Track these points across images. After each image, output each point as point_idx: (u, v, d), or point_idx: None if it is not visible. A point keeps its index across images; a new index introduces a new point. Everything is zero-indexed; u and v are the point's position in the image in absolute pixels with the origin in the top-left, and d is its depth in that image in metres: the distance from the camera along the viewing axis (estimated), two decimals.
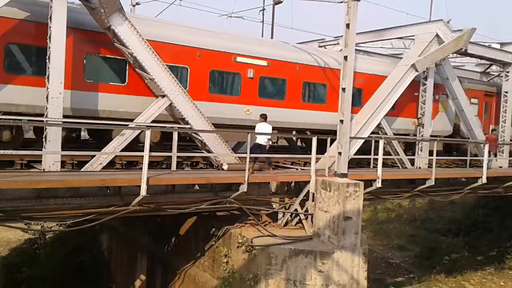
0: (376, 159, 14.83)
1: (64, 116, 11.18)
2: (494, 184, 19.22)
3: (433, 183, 15.90)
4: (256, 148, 13.12)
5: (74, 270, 20.07)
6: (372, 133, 16.22)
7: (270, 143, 13.74)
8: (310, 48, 18.16)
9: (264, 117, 13.60)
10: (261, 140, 13.27)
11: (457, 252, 25.15)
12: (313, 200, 13.27)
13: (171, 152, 12.61)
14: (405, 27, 18.67)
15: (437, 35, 17.53)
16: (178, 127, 13.05)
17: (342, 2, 13.45)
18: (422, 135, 18.14)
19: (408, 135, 18.88)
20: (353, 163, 15.35)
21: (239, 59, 14.68)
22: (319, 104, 16.60)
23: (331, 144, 14.20)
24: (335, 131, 14.07)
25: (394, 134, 17.68)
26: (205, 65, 14.05)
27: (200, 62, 13.92)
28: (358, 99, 16.83)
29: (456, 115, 20.12)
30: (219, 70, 14.48)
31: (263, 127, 13.37)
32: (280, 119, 15.32)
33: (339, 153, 13.51)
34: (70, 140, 14.74)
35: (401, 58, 19.15)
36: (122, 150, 11.92)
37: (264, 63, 15.28)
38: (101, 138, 13.35)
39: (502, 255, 25.72)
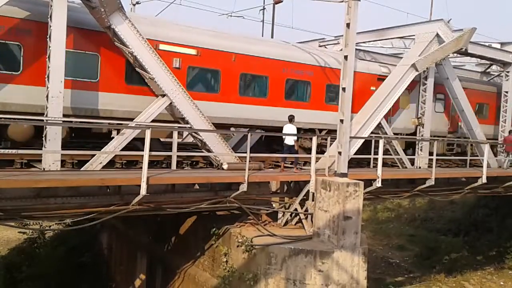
0: (376, 159, 14.83)
1: None
2: (494, 184, 19.22)
3: (433, 183, 15.90)
4: (286, 149, 14.03)
5: (74, 269, 20.08)
6: (371, 133, 16.22)
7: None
8: (253, 37, 17.20)
9: (290, 118, 14.27)
10: (290, 141, 13.95)
11: (457, 252, 25.17)
12: (313, 200, 13.27)
13: (171, 151, 12.61)
14: (406, 27, 18.67)
15: (437, 35, 17.53)
16: (179, 127, 13.06)
17: (342, 1, 13.43)
18: (422, 135, 18.13)
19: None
20: (353, 163, 15.34)
21: (162, 46, 13.31)
22: (260, 98, 15.44)
23: (331, 144, 14.20)
24: (279, 128, 13.75)
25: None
26: (122, 53, 12.60)
27: (117, 50, 12.47)
28: (305, 93, 16.16)
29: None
30: None
31: (289, 128, 14.10)
32: (214, 114, 13.88)
33: (339, 153, 13.51)
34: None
35: (401, 57, 19.16)
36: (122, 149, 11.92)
37: (192, 51, 13.92)
38: None
39: (501, 255, 25.72)
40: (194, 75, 14.03)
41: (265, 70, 15.28)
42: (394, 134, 17.91)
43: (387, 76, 17.60)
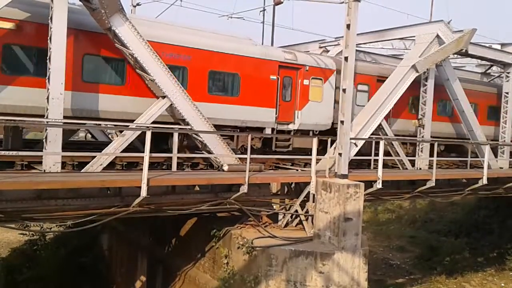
0: (376, 160, 14.81)
1: None
2: (495, 185, 19.20)
3: (434, 184, 15.87)
4: None
5: (74, 271, 20.08)
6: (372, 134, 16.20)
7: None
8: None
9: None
10: None
11: (457, 253, 25.12)
12: (313, 201, 13.26)
13: (171, 153, 12.61)
14: (406, 28, 18.66)
15: (437, 36, 17.51)
16: (179, 128, 13.06)
17: (342, 2, 13.45)
18: (422, 136, 18.12)
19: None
20: (354, 164, 15.33)
21: None
22: (116, 86, 12.87)
23: (331, 144, 14.20)
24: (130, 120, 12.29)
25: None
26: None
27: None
28: (181, 80, 13.46)
29: (337, 105, 16.24)
30: None
31: None
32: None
33: (340, 154, 13.50)
34: None
35: (401, 59, 19.16)
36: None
37: (8, 25, 11.14)
38: None
39: (502, 256, 25.66)
40: (12, 54, 11.44)
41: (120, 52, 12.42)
42: (303, 130, 16.26)
43: (292, 64, 15.84)
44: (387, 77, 17.31)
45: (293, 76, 16.07)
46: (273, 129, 15.60)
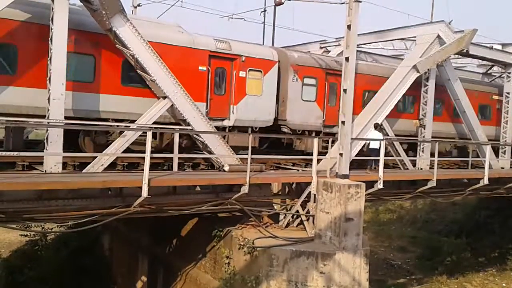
0: (377, 160, 14.79)
1: None
2: (496, 185, 19.19)
3: (435, 184, 15.87)
4: (371, 152, 15.53)
5: (75, 271, 20.06)
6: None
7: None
8: None
9: (375, 126, 15.87)
10: (375, 145, 15.35)
11: (458, 253, 25.08)
12: (314, 202, 13.27)
13: (172, 153, 12.61)
14: (407, 28, 18.66)
15: (438, 36, 17.52)
16: (180, 129, 13.07)
17: (343, 3, 13.46)
18: (423, 136, 18.11)
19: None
20: (355, 164, 15.33)
21: None
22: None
23: (332, 145, 14.21)
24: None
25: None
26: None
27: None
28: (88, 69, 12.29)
29: (282, 101, 15.97)
30: None
31: (375, 134, 15.67)
32: None
33: (341, 154, 13.50)
34: None
35: (402, 59, 19.15)
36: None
37: None
38: None
39: (504, 256, 25.65)
40: None
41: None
42: (239, 127, 14.98)
43: (225, 54, 14.41)
44: (338, 71, 15.83)
45: (227, 67, 14.55)
46: None
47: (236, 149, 13.98)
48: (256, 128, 15.26)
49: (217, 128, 14.38)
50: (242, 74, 14.81)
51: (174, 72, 12.76)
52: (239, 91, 14.70)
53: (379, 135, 15.64)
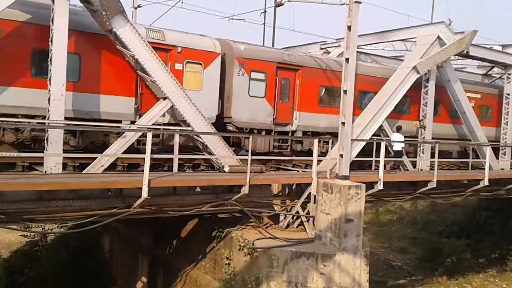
0: (377, 161, 14.80)
1: None
2: (496, 186, 19.17)
3: (435, 185, 15.86)
4: (395, 155, 16.27)
5: (75, 272, 20.05)
6: (373, 135, 16.19)
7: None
8: None
9: (398, 128, 16.64)
10: (398, 147, 16.18)
11: (459, 254, 25.07)
12: (314, 202, 13.26)
13: (172, 154, 12.61)
14: (407, 29, 18.68)
15: (438, 37, 17.53)
16: (180, 129, 13.07)
17: (343, 4, 13.46)
18: (424, 137, 18.11)
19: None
20: (355, 165, 15.32)
21: None
22: None
23: (332, 146, 14.21)
24: None
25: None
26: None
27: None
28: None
29: (227, 97, 14.72)
30: None
31: (397, 136, 16.42)
32: None
33: (341, 155, 13.50)
34: None
35: (403, 60, 19.15)
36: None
37: None
38: None
39: (504, 257, 25.65)
40: None
41: None
42: (176, 125, 13.58)
43: (158, 44, 13.07)
44: (291, 65, 15.79)
45: (161, 59, 12.87)
46: (133, 122, 12.93)
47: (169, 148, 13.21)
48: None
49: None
50: (178, 66, 13.57)
51: (96, 64, 12.06)
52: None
53: (401, 137, 16.42)
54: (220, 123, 14.55)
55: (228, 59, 14.89)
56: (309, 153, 15.41)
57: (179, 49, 13.59)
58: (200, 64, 14.06)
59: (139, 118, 12.86)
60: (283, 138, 15.89)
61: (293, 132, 16.26)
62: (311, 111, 16.46)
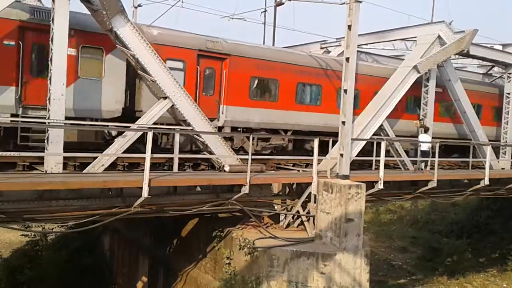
0: (378, 161, 14.80)
1: None
2: (497, 186, 19.17)
3: (435, 185, 15.86)
4: (423, 154, 16.87)
5: (76, 271, 20.08)
6: (374, 134, 16.19)
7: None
8: None
9: (426, 129, 17.31)
10: (425, 147, 16.80)
11: (459, 254, 25.08)
12: (315, 202, 13.26)
13: (172, 153, 12.61)
14: (407, 29, 18.67)
15: (439, 37, 17.52)
16: (180, 129, 13.07)
17: (343, 3, 13.46)
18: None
19: None
20: (355, 165, 15.32)
21: None
22: None
23: (333, 145, 14.21)
24: None
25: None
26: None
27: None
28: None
29: (138, 88, 13.31)
30: None
31: (425, 137, 17.09)
32: None
33: (341, 155, 13.50)
34: None
35: (403, 59, 19.14)
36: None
37: None
38: None
39: (504, 257, 25.63)
40: None
41: None
42: (72, 118, 12.18)
43: (45, 25, 11.34)
44: (215, 53, 14.28)
45: (48, 43, 11.28)
46: (15, 115, 11.61)
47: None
48: (97, 119, 12.65)
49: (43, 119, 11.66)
50: (71, 51, 11.90)
51: None
52: (68, 73, 11.40)
53: (429, 138, 17.09)
54: (128, 117, 12.95)
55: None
56: (244, 150, 14.49)
57: (72, 32, 11.52)
58: (101, 49, 12.54)
59: (25, 110, 11.69)
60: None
61: (220, 128, 14.77)
62: (241, 105, 14.99)
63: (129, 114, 13.11)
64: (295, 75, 16.20)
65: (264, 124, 15.55)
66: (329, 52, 21.41)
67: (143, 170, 10.76)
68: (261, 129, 15.45)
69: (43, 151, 11.05)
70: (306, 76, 16.47)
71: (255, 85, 15.55)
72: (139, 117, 12.69)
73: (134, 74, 13.01)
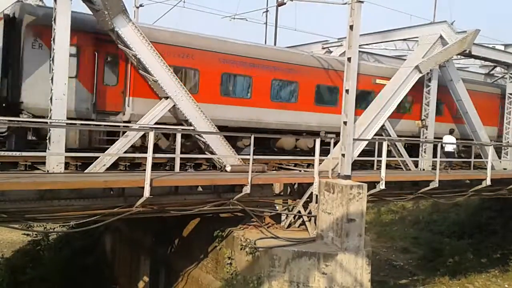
0: (379, 161, 14.78)
1: None
2: (499, 186, 19.14)
3: (437, 185, 15.84)
4: (447, 155, 17.66)
5: (77, 271, 20.11)
6: (375, 135, 16.18)
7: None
8: None
9: (451, 131, 18.22)
10: (450, 148, 17.61)
11: (461, 254, 25.04)
12: (316, 202, 13.25)
13: (174, 153, 12.62)
14: (409, 29, 18.65)
15: (441, 37, 17.51)
16: (182, 129, 13.07)
17: (345, 3, 13.45)
18: (426, 137, 18.09)
19: None
20: (357, 165, 15.30)
21: None
22: None
23: (334, 145, 14.20)
24: None
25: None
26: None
27: None
28: None
29: (17, 76, 11.61)
30: None
31: (450, 139, 17.83)
32: None
33: (343, 155, 13.49)
34: None
35: (405, 59, 19.12)
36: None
37: None
38: None
39: (506, 257, 25.61)
40: None
41: None
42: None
43: None
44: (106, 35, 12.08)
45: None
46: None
47: None
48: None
49: None
50: None
51: None
52: None
53: (453, 139, 17.82)
54: (7, 109, 11.76)
55: (17, 26, 11.71)
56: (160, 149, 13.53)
57: None
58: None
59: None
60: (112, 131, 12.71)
61: (127, 123, 12.97)
62: (150, 96, 12.94)
63: (6, 105, 11.76)
64: (220, 64, 14.47)
65: (178, 119, 13.54)
66: (330, 52, 21.39)
67: (144, 170, 10.77)
68: (173, 124, 13.28)
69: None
70: (234, 67, 14.80)
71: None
72: (21, 110, 11.49)
73: (15, 62, 11.43)
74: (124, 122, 12.96)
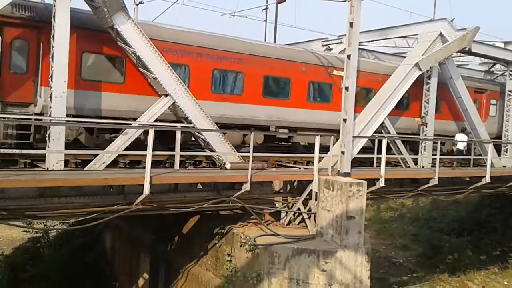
0: (379, 158, 14.79)
1: None
2: (498, 184, 19.17)
3: (437, 182, 15.86)
4: (459, 153, 18.37)
5: (77, 268, 20.15)
6: (375, 132, 16.17)
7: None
8: None
9: (462, 130, 18.69)
10: (461, 146, 18.20)
11: (460, 251, 25.11)
12: (316, 199, 13.27)
13: (174, 151, 12.61)
14: (409, 26, 18.63)
15: (441, 34, 17.48)
16: (182, 126, 13.06)
17: (345, 1, 13.42)
18: (425, 134, 18.09)
19: None
20: (356, 162, 15.30)
21: None
22: None
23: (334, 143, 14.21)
24: None
25: None
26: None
27: None
28: None
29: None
30: None
31: (462, 137, 18.29)
32: None
33: (342, 152, 13.49)
34: None
35: (405, 57, 19.11)
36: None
37: None
38: None
39: (506, 254, 25.67)
40: None
41: None
42: None
43: None
44: (30, 20, 11.23)
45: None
46: None
47: None
48: None
49: None
50: None
51: None
52: None
53: (464, 137, 18.19)
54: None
55: None
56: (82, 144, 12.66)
57: None
58: None
59: None
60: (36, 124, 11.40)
61: (39, 115, 11.62)
62: (69, 87, 11.32)
63: None
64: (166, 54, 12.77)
65: (108, 111, 12.38)
66: (330, 49, 21.37)
67: (144, 167, 10.77)
68: (96, 117, 12.20)
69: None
70: (171, 55, 13.17)
71: (90, 63, 12.37)
72: None
73: None
74: (36, 114, 11.56)
